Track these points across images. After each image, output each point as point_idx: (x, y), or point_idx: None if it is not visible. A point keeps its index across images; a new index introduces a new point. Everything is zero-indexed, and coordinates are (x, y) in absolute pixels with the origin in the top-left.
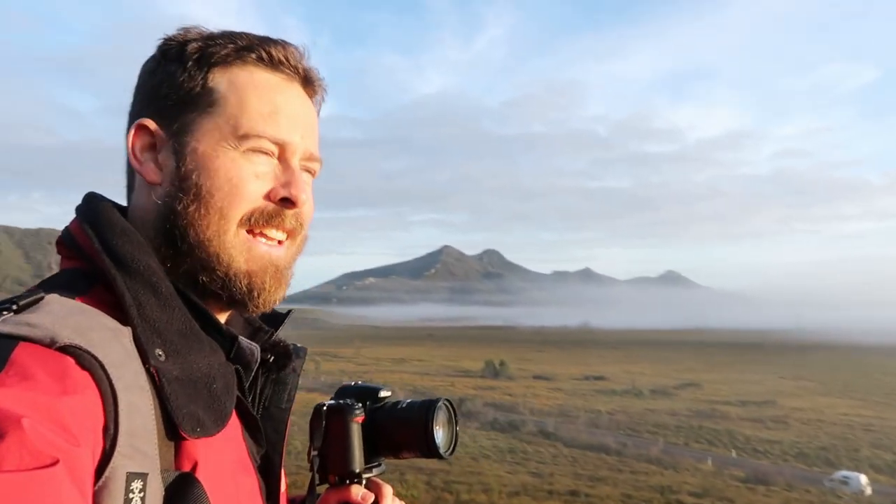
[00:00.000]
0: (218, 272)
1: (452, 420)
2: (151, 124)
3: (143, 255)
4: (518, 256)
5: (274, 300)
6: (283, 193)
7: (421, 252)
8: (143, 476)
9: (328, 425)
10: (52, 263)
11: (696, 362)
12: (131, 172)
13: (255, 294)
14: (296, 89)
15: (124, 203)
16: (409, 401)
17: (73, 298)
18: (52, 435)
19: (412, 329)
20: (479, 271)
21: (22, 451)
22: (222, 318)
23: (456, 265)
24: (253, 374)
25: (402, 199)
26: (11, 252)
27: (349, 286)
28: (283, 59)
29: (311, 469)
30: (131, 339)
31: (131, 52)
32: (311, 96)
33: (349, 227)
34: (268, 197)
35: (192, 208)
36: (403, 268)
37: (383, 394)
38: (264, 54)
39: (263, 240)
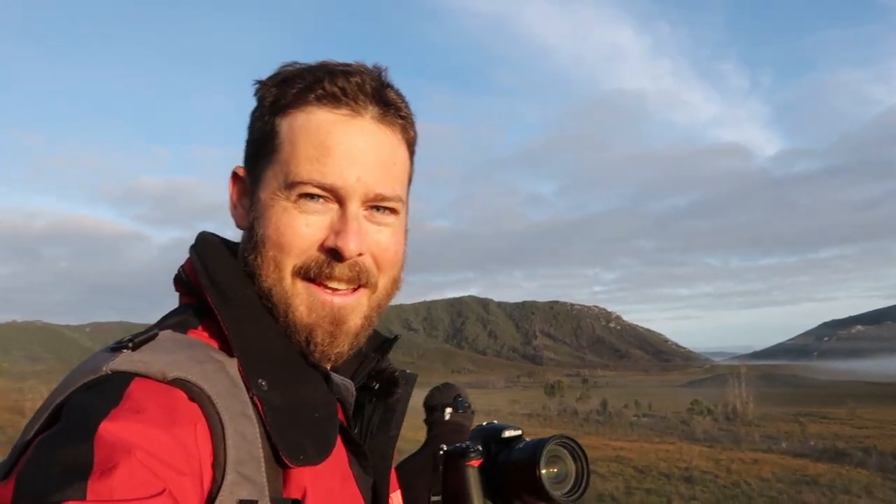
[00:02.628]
0: (280, 321)
1: (574, 459)
2: (241, 171)
3: (245, 287)
4: None
5: (331, 353)
6: (332, 243)
7: None
8: (253, 503)
9: (445, 470)
10: (537, 331)
11: None
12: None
13: (321, 345)
14: (359, 123)
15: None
16: (527, 440)
17: (185, 333)
18: (160, 465)
19: None
20: None
21: (132, 481)
22: None
23: None
24: (353, 404)
25: (885, 231)
26: (505, 324)
27: (831, 336)
28: (341, 92)
29: None
30: (237, 369)
31: (578, 132)
32: (389, 125)
33: (821, 270)
34: (320, 246)
35: (252, 257)
36: None
37: (507, 434)
38: (323, 91)
39: (327, 289)
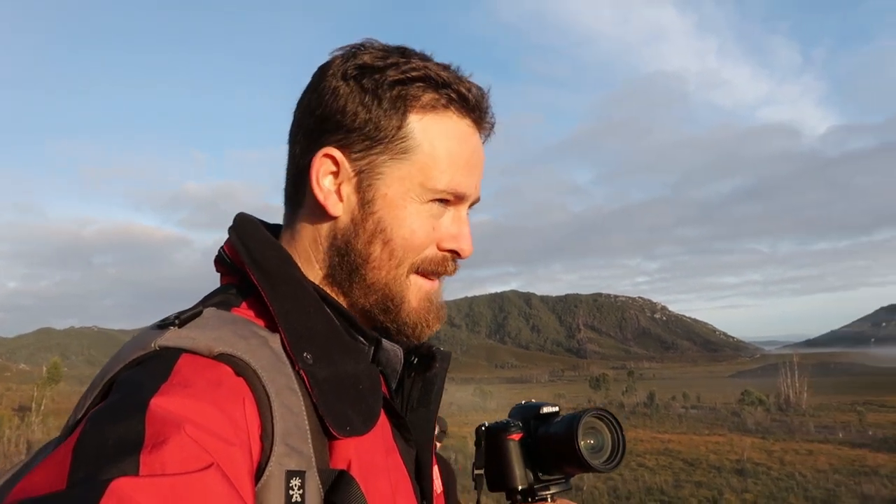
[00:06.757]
0: (391, 311)
1: (610, 429)
2: (338, 154)
3: (287, 265)
4: None
5: (432, 332)
6: (452, 245)
7: None
8: (301, 474)
9: (486, 445)
10: (580, 324)
11: None
12: (296, 191)
13: (420, 329)
14: (477, 136)
15: (270, 219)
16: (563, 415)
17: (229, 310)
18: (210, 438)
19: None
20: None
21: (182, 454)
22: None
23: None
24: (399, 376)
25: None
26: (548, 318)
27: (890, 322)
28: (476, 104)
29: (475, 487)
30: (280, 344)
31: (618, 119)
32: (487, 136)
33: (877, 253)
34: (438, 245)
35: (373, 250)
36: None
37: (545, 410)
38: (460, 98)
39: (426, 280)
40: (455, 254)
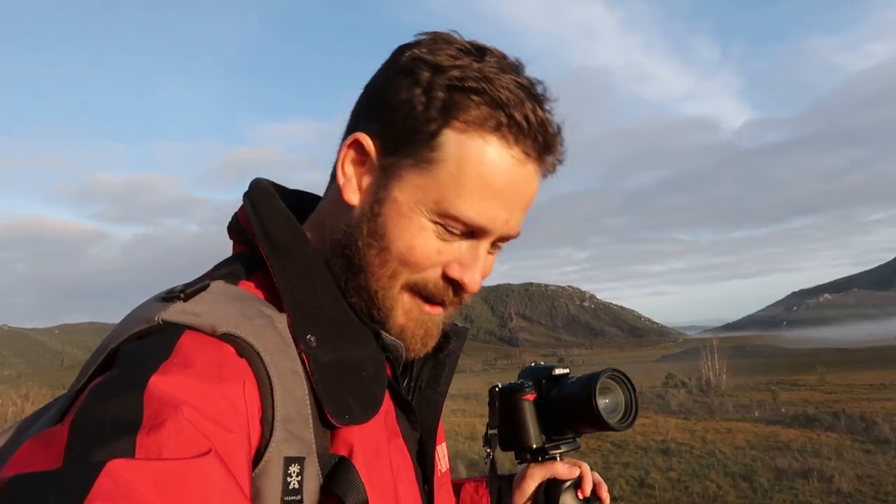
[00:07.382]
0: (377, 319)
1: (623, 390)
2: (369, 143)
3: (300, 241)
4: None
5: (415, 355)
6: (456, 274)
7: (887, 257)
8: (300, 460)
9: (500, 405)
10: (512, 313)
11: None
12: (334, 165)
13: (401, 347)
14: (529, 169)
15: (290, 185)
16: (577, 377)
17: (236, 284)
18: (208, 422)
19: (889, 349)
20: None
21: (180, 438)
22: None
23: None
24: (404, 360)
25: (852, 199)
26: (480, 307)
27: (800, 306)
28: (534, 133)
29: (490, 447)
30: (286, 325)
31: (562, 112)
32: (545, 174)
33: (790, 240)
34: (441, 271)
35: (370, 253)
36: (866, 278)
37: (557, 371)
38: (514, 123)
39: (422, 303)
40: (458, 286)
